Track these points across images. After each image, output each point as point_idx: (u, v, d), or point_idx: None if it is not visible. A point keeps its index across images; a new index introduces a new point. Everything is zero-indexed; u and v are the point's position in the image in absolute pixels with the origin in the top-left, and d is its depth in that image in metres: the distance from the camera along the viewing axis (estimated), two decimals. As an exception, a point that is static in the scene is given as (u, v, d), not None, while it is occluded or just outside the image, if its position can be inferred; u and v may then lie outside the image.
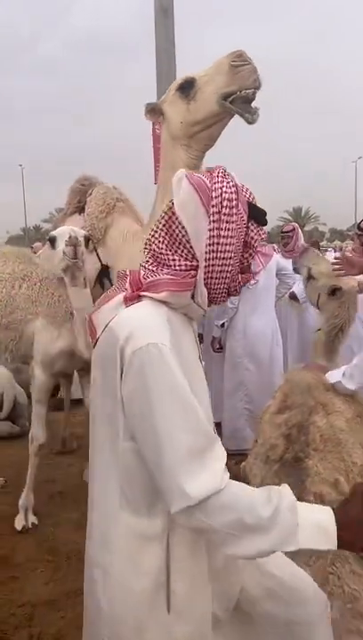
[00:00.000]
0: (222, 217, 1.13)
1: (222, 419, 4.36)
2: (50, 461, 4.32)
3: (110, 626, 1.14)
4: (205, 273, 1.15)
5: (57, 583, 2.66)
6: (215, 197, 1.14)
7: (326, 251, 13.93)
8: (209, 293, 1.18)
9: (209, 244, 1.14)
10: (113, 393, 1.11)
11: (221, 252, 1.14)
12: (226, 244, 1.14)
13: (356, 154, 47.18)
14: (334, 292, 2.69)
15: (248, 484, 1.78)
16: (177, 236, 1.15)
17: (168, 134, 2.90)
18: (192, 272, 1.14)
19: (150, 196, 3.26)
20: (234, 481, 1.11)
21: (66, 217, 3.69)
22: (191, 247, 1.14)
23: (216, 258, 1.15)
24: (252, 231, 1.20)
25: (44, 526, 3.22)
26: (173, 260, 1.15)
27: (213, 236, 1.13)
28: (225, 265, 1.16)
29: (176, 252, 1.15)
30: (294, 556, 1.40)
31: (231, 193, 1.15)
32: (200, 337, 5.24)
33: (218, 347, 4.41)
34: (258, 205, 1.22)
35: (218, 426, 4.55)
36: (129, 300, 1.15)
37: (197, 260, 1.14)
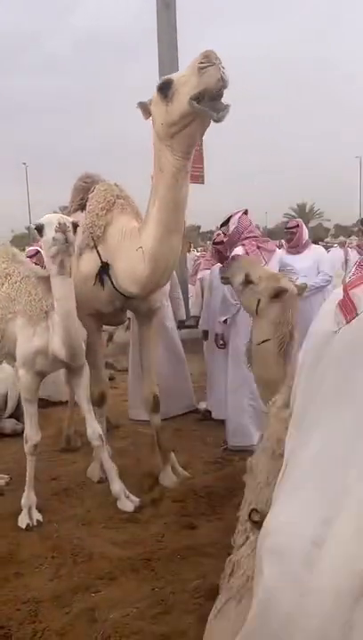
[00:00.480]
0: None
1: (227, 415, 4.35)
2: (54, 459, 4.33)
3: None
4: None
5: (61, 579, 2.66)
6: None
7: (331, 247, 13.86)
8: None
9: None
10: None
11: None
12: None
13: (360, 150, 47.00)
14: (277, 294, 2.61)
15: (254, 479, 1.77)
16: None
17: (155, 135, 2.94)
18: None
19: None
20: None
21: (69, 214, 3.69)
22: None
23: None
24: None
25: (49, 523, 3.22)
26: None
27: None
28: None
29: None
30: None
31: None
32: (205, 333, 5.27)
33: (221, 343, 4.40)
34: None
35: (223, 422, 4.55)
36: None
37: None
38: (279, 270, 4.32)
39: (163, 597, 2.47)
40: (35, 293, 3.20)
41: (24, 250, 5.96)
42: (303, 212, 49.97)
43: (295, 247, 5.28)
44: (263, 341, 2.66)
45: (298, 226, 5.33)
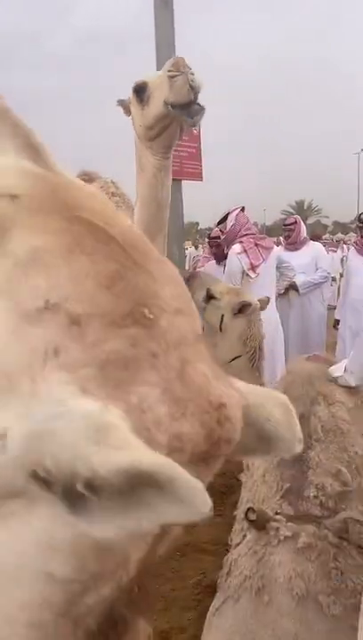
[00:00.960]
0: None
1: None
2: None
3: None
4: None
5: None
6: None
7: (331, 250, 13.87)
8: None
9: None
10: None
11: None
12: None
13: (358, 146, 46.94)
14: (241, 309, 2.59)
15: (251, 477, 1.78)
16: None
17: (135, 135, 2.95)
18: None
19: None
20: None
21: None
22: None
23: None
24: None
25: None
26: None
27: None
28: None
29: None
30: (296, 555, 1.40)
31: None
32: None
33: None
34: None
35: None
36: None
37: None
38: (277, 267, 4.33)
39: (162, 594, 2.48)
40: None
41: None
42: (302, 209, 49.96)
43: (293, 244, 5.28)
44: (234, 359, 2.61)
45: (296, 222, 5.33)
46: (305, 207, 52.90)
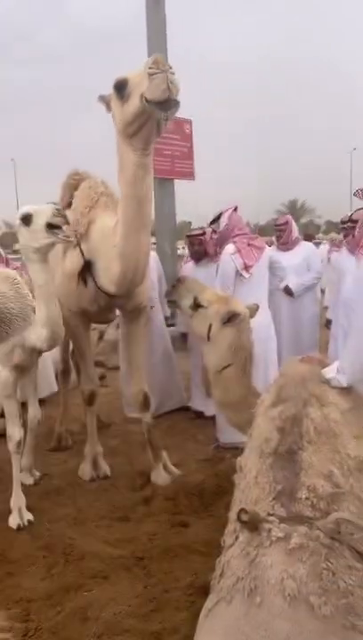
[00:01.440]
0: None
1: (216, 412, 4.35)
2: (45, 458, 4.32)
3: None
4: None
5: (53, 579, 2.66)
6: None
7: (320, 243, 13.92)
8: None
9: None
10: None
11: None
12: None
13: (351, 145, 47.13)
14: (230, 319, 2.55)
15: (243, 478, 1.79)
16: None
17: (116, 132, 2.95)
18: None
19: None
20: None
21: (60, 212, 3.67)
22: None
23: None
24: None
25: (40, 523, 3.22)
26: None
27: None
28: None
29: None
30: (288, 556, 1.41)
31: None
32: (184, 335, 5.35)
33: None
34: None
35: (212, 418, 4.58)
36: None
37: None
38: (269, 267, 4.33)
39: (155, 595, 2.48)
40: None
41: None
42: (295, 209, 50.05)
43: (285, 244, 5.29)
44: (224, 368, 2.59)
45: (287, 222, 5.34)
46: (298, 207, 52.99)
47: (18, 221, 2.97)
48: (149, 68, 2.59)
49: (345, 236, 5.17)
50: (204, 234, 5.16)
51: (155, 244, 7.73)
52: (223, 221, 4.23)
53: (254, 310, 2.78)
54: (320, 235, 28.11)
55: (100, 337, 7.87)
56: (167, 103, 2.63)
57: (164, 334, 5.42)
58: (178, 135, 9.31)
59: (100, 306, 3.58)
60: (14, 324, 3.13)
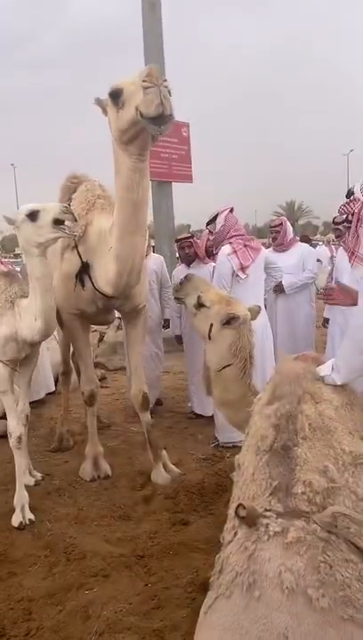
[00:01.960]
0: None
1: (215, 412, 4.38)
2: (47, 458, 4.34)
3: None
4: None
5: (55, 578, 2.68)
6: None
7: (318, 244, 13.98)
8: None
9: None
10: None
11: None
12: None
13: (348, 147, 47.16)
14: (229, 321, 2.56)
15: (241, 476, 1.81)
16: None
17: (112, 137, 2.98)
18: None
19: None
20: None
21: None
22: None
23: None
24: None
25: (41, 522, 3.24)
26: None
27: None
28: None
29: None
30: (285, 550, 1.43)
31: None
32: (178, 338, 5.37)
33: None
34: None
35: (210, 418, 4.60)
36: None
37: None
38: (265, 268, 4.36)
39: (156, 593, 2.50)
40: None
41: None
42: (292, 210, 50.08)
43: (280, 245, 5.36)
44: (224, 367, 2.60)
45: (281, 224, 5.40)
46: (296, 208, 53.02)
47: (22, 217, 3.03)
48: (143, 80, 2.58)
49: (337, 237, 5.21)
50: (192, 237, 5.22)
51: (153, 246, 7.76)
52: (219, 222, 4.26)
53: (255, 312, 2.79)
54: (318, 236, 28.14)
55: (101, 339, 7.89)
56: (161, 119, 2.63)
57: (154, 333, 5.42)
58: (175, 138, 9.34)
59: (98, 307, 3.61)
60: None
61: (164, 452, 3.87)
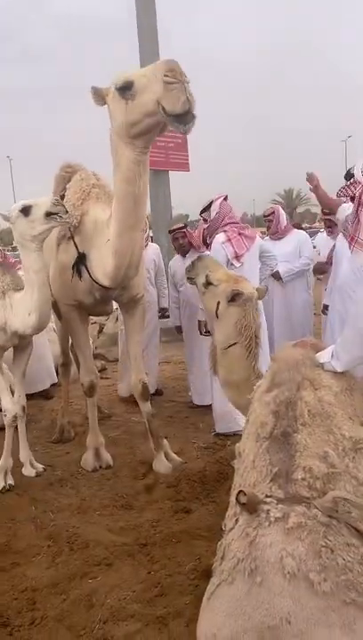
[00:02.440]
0: None
1: (213, 400, 4.38)
2: (48, 450, 4.35)
3: None
4: None
5: (58, 567, 2.70)
6: None
7: (318, 232, 13.88)
8: None
9: None
10: None
11: None
12: None
13: (345, 134, 46.83)
14: (234, 297, 2.60)
15: (242, 463, 1.81)
16: None
17: (113, 130, 2.93)
18: None
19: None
20: None
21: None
22: None
23: None
24: None
25: (44, 513, 3.25)
26: None
27: None
28: None
29: None
30: (287, 535, 1.43)
31: None
32: (178, 329, 5.38)
33: (205, 330, 4.42)
34: None
35: (208, 407, 4.62)
36: None
37: None
38: (260, 257, 4.34)
39: (159, 580, 2.51)
40: None
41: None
42: (290, 199, 49.86)
43: (275, 233, 5.36)
44: (230, 345, 2.63)
45: (274, 213, 5.41)
46: (294, 196, 52.77)
47: (15, 213, 3.08)
48: (165, 75, 2.52)
49: (328, 228, 5.19)
50: (186, 227, 5.19)
51: (151, 237, 7.73)
52: (214, 210, 4.23)
53: (262, 291, 2.84)
54: (317, 223, 28.04)
55: (101, 330, 7.89)
56: (186, 116, 2.58)
57: (151, 323, 5.42)
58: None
59: (95, 298, 3.59)
60: None
61: (165, 441, 3.88)
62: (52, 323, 4.62)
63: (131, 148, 2.89)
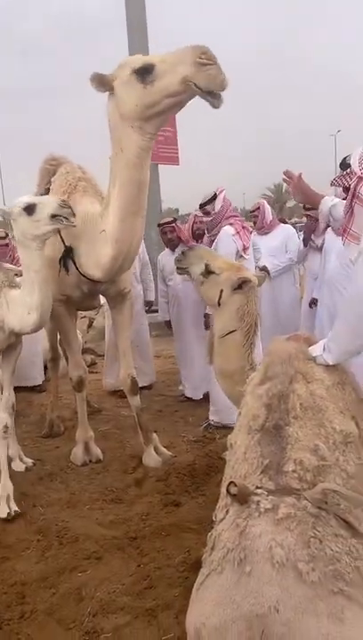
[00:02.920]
0: None
1: (210, 390, 4.39)
2: (38, 444, 4.34)
3: None
4: None
5: (48, 561, 2.70)
6: None
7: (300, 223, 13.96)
8: None
9: None
10: None
11: None
12: None
13: (334, 128, 46.98)
14: (241, 285, 2.60)
15: (233, 454, 1.81)
16: None
17: (118, 114, 2.89)
18: None
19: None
20: None
21: (37, 199, 3.64)
22: None
23: None
24: None
25: (34, 507, 3.24)
26: None
27: None
28: None
29: None
30: (276, 525, 1.44)
31: None
32: (168, 324, 5.39)
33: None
34: None
35: (201, 402, 4.64)
36: None
37: None
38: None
39: (148, 573, 2.53)
40: None
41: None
42: (280, 193, 49.87)
43: (262, 228, 5.42)
44: (229, 333, 2.64)
45: (259, 207, 5.46)
46: (284, 191, 52.83)
47: (18, 210, 2.98)
48: (199, 57, 2.52)
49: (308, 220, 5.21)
50: (174, 221, 5.19)
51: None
52: (219, 202, 4.25)
53: (261, 279, 2.86)
54: (305, 219, 28.10)
55: (90, 324, 7.87)
56: (218, 94, 2.59)
57: (140, 319, 5.41)
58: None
59: (83, 292, 3.57)
60: None
61: (154, 435, 3.89)
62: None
63: (139, 132, 2.86)
